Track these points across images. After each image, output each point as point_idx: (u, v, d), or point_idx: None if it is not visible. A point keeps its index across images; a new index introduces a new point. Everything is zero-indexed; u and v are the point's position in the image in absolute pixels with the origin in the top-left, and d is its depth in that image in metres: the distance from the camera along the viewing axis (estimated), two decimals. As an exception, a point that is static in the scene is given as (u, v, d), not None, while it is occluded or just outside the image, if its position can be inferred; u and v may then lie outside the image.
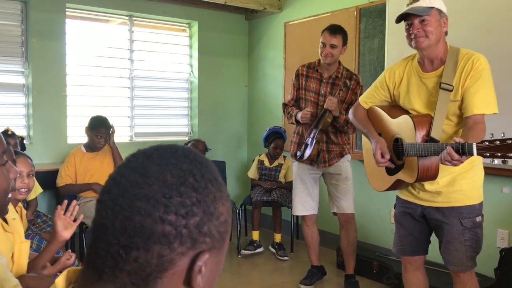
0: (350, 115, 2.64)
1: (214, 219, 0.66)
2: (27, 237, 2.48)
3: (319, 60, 3.44)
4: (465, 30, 3.19)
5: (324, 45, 3.30)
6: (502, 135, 1.87)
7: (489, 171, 3.12)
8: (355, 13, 4.13)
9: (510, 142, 1.82)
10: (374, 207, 4.12)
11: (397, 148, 2.32)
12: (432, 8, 2.15)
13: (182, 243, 0.63)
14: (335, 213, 3.55)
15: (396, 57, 3.61)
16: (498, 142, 1.83)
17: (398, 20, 2.24)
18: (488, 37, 3.12)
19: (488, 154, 1.85)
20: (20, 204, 2.13)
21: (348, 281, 3.52)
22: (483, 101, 2.11)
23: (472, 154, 1.88)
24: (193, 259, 0.64)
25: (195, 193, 0.65)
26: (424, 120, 2.19)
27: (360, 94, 3.39)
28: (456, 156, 1.91)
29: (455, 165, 1.97)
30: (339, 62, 3.43)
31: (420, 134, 2.17)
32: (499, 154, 1.83)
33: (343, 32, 3.34)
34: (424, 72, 2.28)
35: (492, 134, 1.90)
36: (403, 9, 2.22)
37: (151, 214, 0.62)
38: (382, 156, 2.31)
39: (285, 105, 3.64)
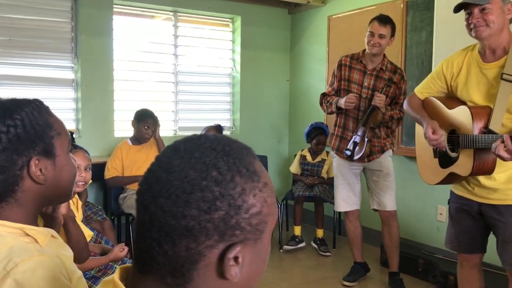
0: (405, 105, 2.55)
1: (243, 212, 0.65)
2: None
3: (364, 51, 3.38)
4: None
5: (372, 34, 3.24)
6: None
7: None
8: (401, 6, 4.03)
9: None
10: (419, 204, 4.03)
11: (452, 140, 2.23)
12: None
13: (208, 237, 0.64)
14: (375, 210, 3.49)
15: (445, 50, 3.52)
16: None
17: (457, 10, 2.14)
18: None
19: None
20: (76, 196, 2.20)
21: (393, 279, 3.46)
22: None
23: None
24: (224, 251, 0.65)
25: (218, 187, 0.64)
26: (482, 112, 2.09)
27: (404, 89, 3.34)
28: (509, 146, 1.82)
29: (504, 157, 1.87)
30: (384, 54, 3.36)
31: (478, 126, 2.07)
32: None
33: (392, 22, 3.27)
34: (484, 62, 2.16)
35: None
36: None
37: (172, 210, 0.64)
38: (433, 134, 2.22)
39: (323, 95, 3.57)
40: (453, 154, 2.23)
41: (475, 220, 2.30)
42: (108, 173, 3.96)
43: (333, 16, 4.80)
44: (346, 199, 3.53)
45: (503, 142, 1.89)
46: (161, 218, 0.64)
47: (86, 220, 3.39)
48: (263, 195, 0.68)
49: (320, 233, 4.41)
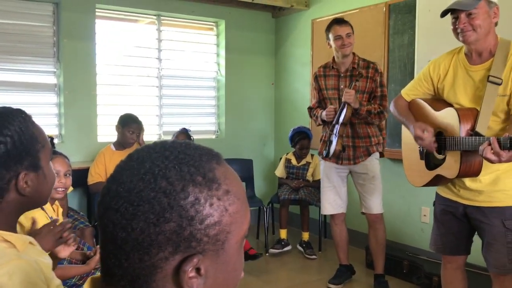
0: (392, 107, 2.55)
1: (197, 223, 0.62)
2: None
3: (333, 58, 3.45)
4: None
5: (340, 37, 3.29)
6: None
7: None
8: (384, 9, 4.07)
9: None
10: (404, 206, 4.06)
11: (439, 142, 2.23)
12: (479, 0, 2.05)
13: (161, 249, 0.62)
14: (363, 213, 3.51)
15: (426, 53, 3.56)
16: None
17: (443, 14, 2.15)
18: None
19: None
20: (57, 203, 2.17)
21: (378, 281, 3.47)
22: None
23: None
24: (180, 263, 0.63)
25: (166, 198, 0.61)
26: (469, 114, 2.10)
27: (380, 82, 3.36)
28: (496, 148, 1.82)
29: (492, 160, 1.88)
30: (353, 53, 3.40)
31: (465, 128, 2.08)
32: None
33: (347, 21, 3.38)
34: (471, 65, 2.17)
35: None
36: (447, 2, 2.11)
37: (121, 222, 0.62)
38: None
39: (310, 109, 3.64)
40: (439, 156, 2.24)
41: (460, 222, 2.30)
42: (91, 179, 3.93)
43: (317, 20, 4.82)
44: (332, 202, 3.54)
45: (490, 144, 1.89)
46: (112, 231, 0.63)
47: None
48: (223, 204, 0.65)
49: (305, 236, 4.41)
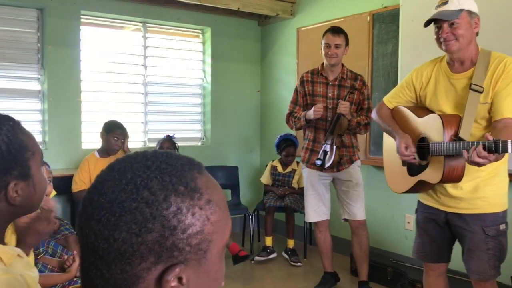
0: (374, 114, 2.59)
1: (179, 232, 0.62)
2: (43, 242, 2.51)
3: (322, 64, 3.47)
4: (493, 33, 3.13)
5: (328, 45, 3.32)
6: None
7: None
8: (368, 18, 4.12)
9: None
10: (387, 213, 4.09)
11: (422, 147, 2.27)
12: (461, 10, 2.10)
13: (143, 259, 0.62)
14: (346, 220, 3.53)
15: (410, 61, 3.60)
16: None
17: (426, 24, 2.20)
18: None
19: None
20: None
21: (362, 288, 3.49)
22: None
23: (506, 151, 1.81)
24: (163, 272, 0.63)
25: (149, 209, 0.61)
26: (453, 120, 2.14)
27: (367, 94, 3.41)
28: (483, 153, 1.85)
29: (480, 163, 1.89)
30: (342, 64, 3.44)
31: (449, 134, 2.12)
32: None
33: (344, 32, 3.38)
34: (453, 73, 2.23)
35: None
36: (430, 12, 2.17)
37: (103, 233, 0.62)
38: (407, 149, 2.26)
39: (290, 114, 3.59)
40: (423, 162, 2.27)
41: (442, 229, 2.34)
42: (76, 186, 3.89)
43: (302, 28, 4.86)
44: (316, 209, 3.55)
45: (475, 149, 1.91)
46: (94, 242, 0.63)
47: (50, 235, 3.31)
48: (205, 213, 0.65)
49: (291, 243, 4.42)
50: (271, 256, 4.38)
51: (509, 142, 1.79)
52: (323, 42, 3.37)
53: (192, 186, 0.65)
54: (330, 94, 3.41)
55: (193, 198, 0.64)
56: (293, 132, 4.72)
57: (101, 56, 4.60)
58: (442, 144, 2.11)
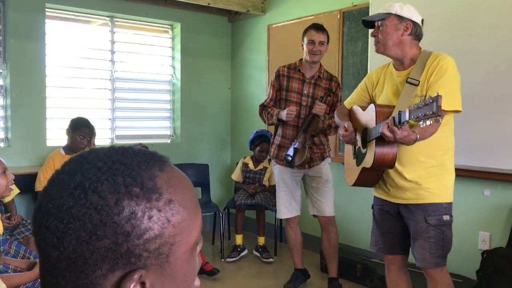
0: (335, 115, 2.77)
1: (134, 238, 0.58)
2: (4, 242, 2.42)
3: (300, 60, 3.45)
4: (443, 34, 3.21)
5: (313, 42, 3.32)
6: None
7: (471, 174, 3.16)
8: (338, 16, 4.14)
9: (431, 101, 1.85)
10: (356, 209, 4.13)
11: (364, 136, 2.42)
12: (389, 14, 2.30)
13: (98, 267, 0.57)
14: (315, 216, 3.55)
15: (379, 60, 3.62)
16: (424, 104, 1.88)
17: (364, 25, 2.45)
18: (467, 41, 3.14)
19: (420, 116, 1.88)
20: None
21: (332, 285, 3.50)
22: (444, 97, 2.09)
23: (406, 119, 1.97)
24: (121, 279, 0.59)
25: (98, 215, 0.57)
26: (385, 108, 2.32)
27: (340, 96, 3.47)
28: (392, 126, 2.03)
29: (390, 137, 2.05)
30: (320, 63, 3.45)
31: (380, 121, 2.25)
32: (430, 113, 1.85)
33: (326, 29, 3.40)
34: (397, 71, 2.40)
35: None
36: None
37: (52, 241, 0.58)
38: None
39: (263, 106, 3.59)
40: (363, 150, 2.41)
41: (396, 220, 2.46)
42: (40, 185, 3.77)
43: (273, 25, 4.85)
44: (288, 206, 3.55)
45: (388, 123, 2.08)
46: (45, 249, 0.59)
47: (12, 234, 3.20)
48: (165, 215, 0.60)
49: (261, 240, 4.41)
50: (242, 254, 4.36)
51: (406, 110, 1.95)
52: (305, 38, 3.35)
53: (150, 186, 0.60)
54: (305, 92, 3.41)
55: (150, 199, 0.59)
56: (266, 128, 4.72)
57: (67, 50, 4.47)
58: (372, 128, 2.27)
